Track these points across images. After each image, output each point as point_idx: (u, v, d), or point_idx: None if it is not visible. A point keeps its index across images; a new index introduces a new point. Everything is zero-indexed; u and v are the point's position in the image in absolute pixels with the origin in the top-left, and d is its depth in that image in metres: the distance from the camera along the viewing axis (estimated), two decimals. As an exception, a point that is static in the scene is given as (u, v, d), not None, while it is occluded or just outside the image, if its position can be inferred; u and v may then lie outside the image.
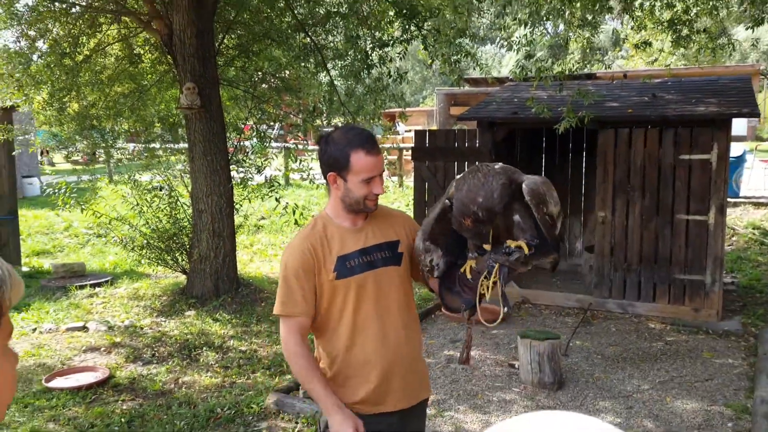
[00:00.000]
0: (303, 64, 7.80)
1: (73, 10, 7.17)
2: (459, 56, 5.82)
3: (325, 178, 2.21)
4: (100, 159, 9.53)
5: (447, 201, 2.09)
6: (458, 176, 2.09)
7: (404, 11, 5.86)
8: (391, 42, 6.34)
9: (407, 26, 5.92)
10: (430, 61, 6.17)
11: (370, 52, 6.43)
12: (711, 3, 6.99)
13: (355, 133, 2.17)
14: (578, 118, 5.74)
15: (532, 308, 6.73)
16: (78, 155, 24.72)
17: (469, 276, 2.08)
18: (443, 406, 4.47)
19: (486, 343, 5.72)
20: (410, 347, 2.29)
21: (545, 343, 4.65)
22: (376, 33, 6.75)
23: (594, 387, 4.74)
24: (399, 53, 6.24)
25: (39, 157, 17.57)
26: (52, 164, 22.79)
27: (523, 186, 1.97)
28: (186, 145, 8.55)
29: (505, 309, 2.12)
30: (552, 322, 6.25)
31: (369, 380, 2.19)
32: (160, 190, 7.72)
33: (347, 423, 2.08)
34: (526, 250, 1.98)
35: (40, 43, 7.49)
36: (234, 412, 4.39)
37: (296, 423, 4.23)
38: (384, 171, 2.21)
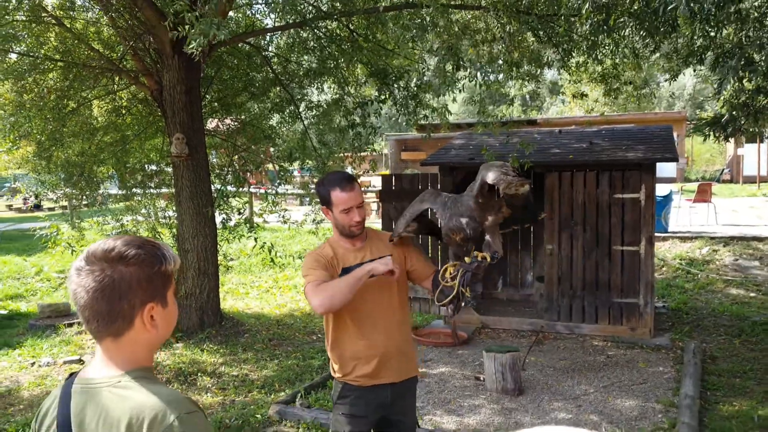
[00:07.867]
0: (279, 114, 8.57)
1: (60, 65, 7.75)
2: (426, 111, 6.70)
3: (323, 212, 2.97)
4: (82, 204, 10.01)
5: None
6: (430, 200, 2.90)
7: (376, 71, 6.72)
8: (370, 102, 7.19)
9: (382, 84, 6.78)
10: (399, 114, 7.04)
11: (352, 111, 7.28)
12: (636, 61, 8.14)
13: (334, 176, 2.91)
14: (520, 164, 6.67)
15: (491, 332, 7.52)
16: (22, 204, 24.44)
17: (448, 276, 2.83)
18: (422, 412, 5.16)
19: (453, 361, 6.46)
20: (402, 335, 2.98)
21: (507, 355, 5.43)
22: (352, 91, 7.60)
23: (549, 392, 5.54)
24: (375, 112, 7.08)
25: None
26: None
27: (489, 181, 2.63)
28: (165, 190, 9.16)
29: (470, 303, 2.90)
30: (509, 344, 7.04)
31: (370, 362, 2.87)
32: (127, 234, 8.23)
33: (385, 260, 2.69)
34: (488, 261, 2.77)
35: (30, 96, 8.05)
36: (242, 422, 4.99)
37: (298, 428, 4.86)
38: (362, 202, 2.88)
